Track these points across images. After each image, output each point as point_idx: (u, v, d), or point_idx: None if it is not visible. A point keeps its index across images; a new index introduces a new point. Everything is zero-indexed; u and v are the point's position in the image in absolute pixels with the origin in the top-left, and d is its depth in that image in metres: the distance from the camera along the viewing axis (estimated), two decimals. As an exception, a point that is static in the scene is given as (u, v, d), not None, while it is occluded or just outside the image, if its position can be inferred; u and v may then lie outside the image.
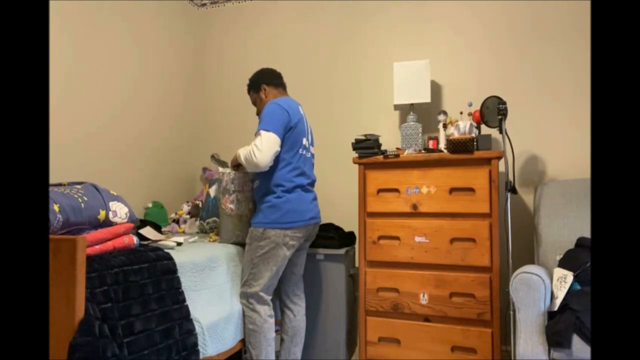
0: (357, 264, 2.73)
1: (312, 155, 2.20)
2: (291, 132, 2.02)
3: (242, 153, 1.99)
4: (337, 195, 2.98)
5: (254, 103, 2.27)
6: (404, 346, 2.21)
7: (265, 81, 2.21)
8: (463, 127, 2.16)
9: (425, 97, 2.48)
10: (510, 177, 2.58)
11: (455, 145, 2.12)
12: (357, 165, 2.79)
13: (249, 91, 2.28)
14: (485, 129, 2.53)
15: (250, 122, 3.22)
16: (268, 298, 2.03)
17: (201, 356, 1.72)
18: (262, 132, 1.94)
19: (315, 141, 3.04)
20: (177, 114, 3.15)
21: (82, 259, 1.26)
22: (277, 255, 1.99)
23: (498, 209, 2.08)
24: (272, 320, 2.04)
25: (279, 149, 1.97)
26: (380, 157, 2.27)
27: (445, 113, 2.39)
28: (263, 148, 1.91)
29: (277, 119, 1.97)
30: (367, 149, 2.30)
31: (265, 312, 2.01)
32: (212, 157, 2.41)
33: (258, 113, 2.23)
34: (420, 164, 2.22)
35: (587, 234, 2.05)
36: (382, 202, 2.28)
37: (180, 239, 2.02)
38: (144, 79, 2.83)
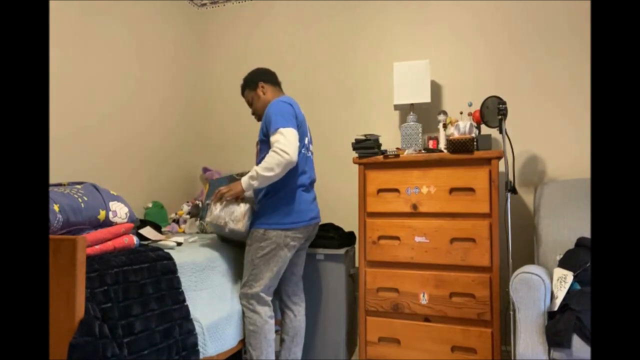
0: (357, 264, 2.73)
1: (312, 153, 2.19)
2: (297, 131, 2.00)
3: (265, 165, 1.85)
4: (337, 195, 2.98)
5: (250, 102, 2.20)
6: (404, 346, 2.21)
7: (262, 78, 2.16)
8: (463, 127, 2.16)
9: (425, 97, 2.48)
10: (510, 177, 2.58)
11: (455, 145, 2.11)
12: (357, 165, 2.79)
13: (243, 91, 2.22)
14: (485, 129, 2.53)
15: (250, 122, 3.22)
16: (269, 299, 2.03)
17: (201, 356, 1.72)
18: (281, 129, 1.88)
19: (316, 141, 3.04)
20: (177, 114, 3.15)
21: (82, 259, 1.26)
22: (278, 256, 1.99)
23: (498, 209, 2.08)
24: (273, 321, 2.03)
25: (299, 143, 1.92)
26: (380, 157, 2.27)
27: (445, 113, 2.39)
28: (290, 143, 1.85)
29: (289, 115, 1.94)
30: (367, 149, 2.30)
31: (266, 313, 2.00)
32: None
33: (255, 112, 2.19)
34: (420, 164, 2.22)
35: (587, 234, 2.05)
36: (382, 202, 2.28)
37: (180, 239, 2.02)
38: (143, 79, 2.83)
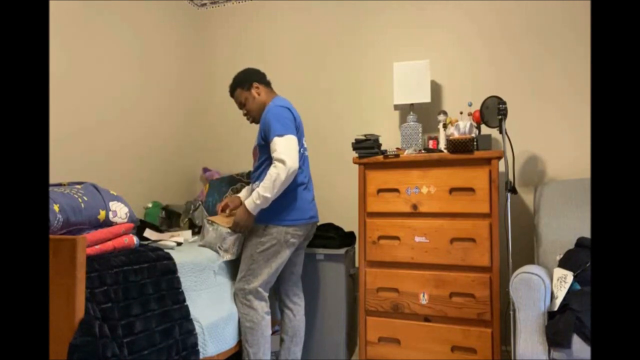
0: (357, 264, 2.73)
1: (306, 149, 2.20)
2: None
3: (267, 183, 1.86)
4: (337, 195, 2.98)
5: (243, 103, 2.15)
6: (404, 346, 2.21)
7: (256, 79, 2.13)
8: (463, 127, 2.16)
9: (425, 97, 2.48)
10: (510, 177, 2.58)
11: (455, 145, 2.11)
12: (357, 165, 2.78)
13: (233, 90, 2.16)
14: (485, 129, 2.53)
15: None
16: (266, 294, 2.03)
17: (201, 356, 1.72)
18: (280, 137, 1.88)
19: (316, 141, 3.04)
20: (177, 114, 3.14)
21: (82, 259, 1.26)
22: (278, 253, 1.99)
23: (498, 209, 2.08)
24: (269, 317, 2.03)
25: (298, 147, 1.94)
26: (380, 157, 2.27)
27: (445, 113, 2.39)
28: (290, 151, 1.86)
29: (289, 121, 1.94)
30: (367, 149, 2.30)
31: (263, 309, 2.00)
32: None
33: (249, 113, 2.15)
34: (420, 164, 2.22)
35: (587, 234, 2.05)
36: (382, 202, 2.28)
37: (180, 239, 2.02)
38: (143, 79, 2.83)
